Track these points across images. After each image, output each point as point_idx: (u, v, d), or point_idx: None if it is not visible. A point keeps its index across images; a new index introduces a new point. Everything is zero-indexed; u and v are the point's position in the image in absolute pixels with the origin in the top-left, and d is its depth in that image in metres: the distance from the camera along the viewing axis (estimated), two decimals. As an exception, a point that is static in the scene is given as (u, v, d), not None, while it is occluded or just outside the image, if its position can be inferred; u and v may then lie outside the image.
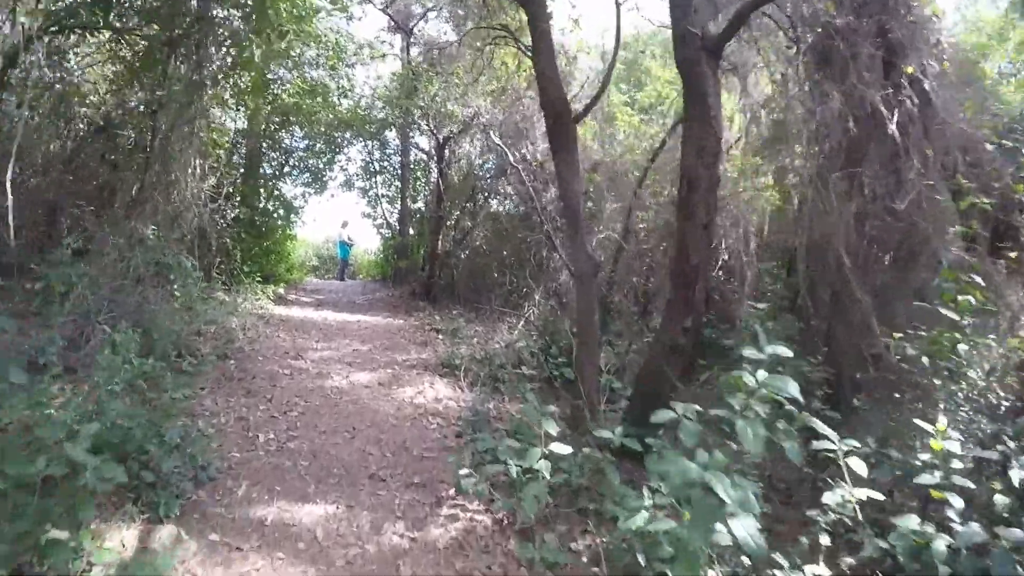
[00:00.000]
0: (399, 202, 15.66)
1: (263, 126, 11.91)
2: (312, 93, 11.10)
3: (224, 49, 7.51)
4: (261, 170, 13.21)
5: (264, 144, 13.08)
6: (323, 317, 9.85)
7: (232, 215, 9.78)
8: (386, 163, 15.92)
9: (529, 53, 8.34)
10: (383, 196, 15.64)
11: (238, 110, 11.26)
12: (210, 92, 7.61)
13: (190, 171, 8.62)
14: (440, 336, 9.05)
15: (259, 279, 10.61)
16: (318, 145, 14.50)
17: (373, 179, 15.65)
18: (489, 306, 11.09)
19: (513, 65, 10.03)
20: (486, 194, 12.96)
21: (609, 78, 6.03)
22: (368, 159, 15.46)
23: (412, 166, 15.31)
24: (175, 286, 7.92)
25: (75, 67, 9.18)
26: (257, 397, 5.58)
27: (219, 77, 7.75)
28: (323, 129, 13.76)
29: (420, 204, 15.49)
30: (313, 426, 5.09)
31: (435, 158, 13.32)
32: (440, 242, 12.16)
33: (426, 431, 5.22)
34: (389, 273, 15.93)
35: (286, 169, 14.35)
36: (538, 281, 10.91)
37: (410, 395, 6.06)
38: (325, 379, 6.31)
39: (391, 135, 15.46)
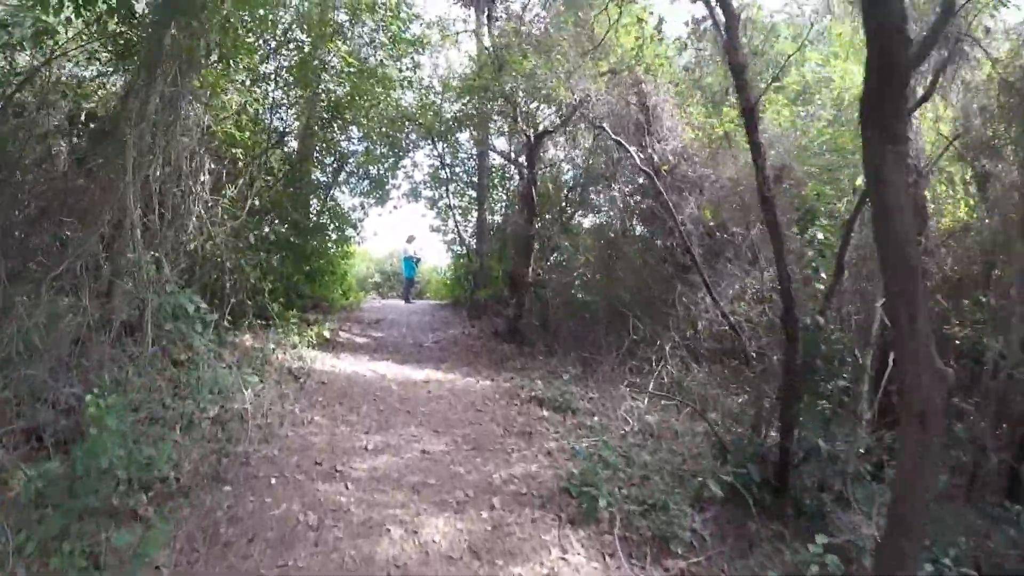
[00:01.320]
0: (473, 214, 13.03)
1: (311, 123, 9.43)
2: (368, 76, 8.50)
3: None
4: (312, 178, 10.81)
5: (316, 147, 10.67)
6: (380, 374, 7.21)
7: (262, 235, 7.25)
8: (458, 169, 13.33)
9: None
10: (455, 208, 13.01)
11: (279, 108, 8.90)
12: (208, 59, 5.07)
13: (203, 178, 6.21)
14: (545, 412, 6.26)
15: (295, 316, 8.09)
16: (379, 149, 12.07)
17: (444, 188, 13.05)
18: (599, 356, 8.24)
19: (644, 33, 7.12)
20: (591, 207, 10.14)
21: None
22: (439, 163, 12.86)
23: (490, 172, 12.62)
24: (166, 342, 5.53)
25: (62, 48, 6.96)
26: (246, 607, 2.90)
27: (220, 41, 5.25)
28: (383, 129, 11.29)
29: (497, 217, 12.81)
30: None
31: (523, 160, 10.61)
32: (530, 268, 9.35)
33: None
34: (461, 297, 13.31)
35: (342, 176, 11.97)
36: (669, 327, 8.01)
37: (530, 589, 3.25)
38: (376, 538, 3.57)
39: (464, 136, 12.91)
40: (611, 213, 9.80)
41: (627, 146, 7.69)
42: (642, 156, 7.84)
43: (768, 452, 4.86)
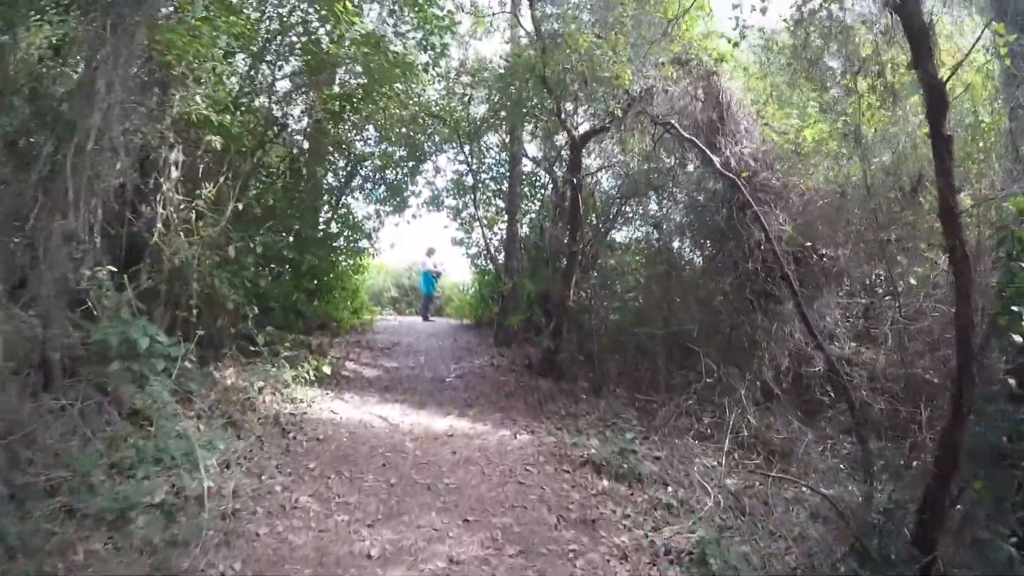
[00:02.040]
0: (499, 226, 11.59)
1: (319, 116, 8.08)
2: (386, 57, 7.10)
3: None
4: (322, 181, 9.47)
5: (327, 145, 9.33)
6: (391, 424, 5.76)
7: (249, 246, 5.83)
8: (485, 175, 11.92)
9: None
10: (480, 219, 11.57)
11: (282, 97, 7.56)
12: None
13: (173, 173, 4.86)
14: (604, 482, 4.80)
15: (290, 342, 6.73)
16: (398, 151, 10.75)
17: (472, 195, 11.62)
18: (655, 398, 6.80)
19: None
20: (639, 221, 8.69)
21: None
22: (466, 166, 11.46)
23: (521, 179, 11.17)
24: (112, 387, 4.18)
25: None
26: None
27: None
28: (402, 128, 9.97)
29: (525, 229, 11.35)
30: None
31: (560, 167, 9.22)
32: (573, 290, 7.87)
33: None
34: (485, 317, 11.85)
35: (355, 181, 10.65)
36: (745, 367, 6.55)
37: None
38: None
39: (493, 139, 11.53)
40: (664, 227, 8.34)
41: (703, 148, 6.24)
42: (719, 160, 6.38)
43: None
